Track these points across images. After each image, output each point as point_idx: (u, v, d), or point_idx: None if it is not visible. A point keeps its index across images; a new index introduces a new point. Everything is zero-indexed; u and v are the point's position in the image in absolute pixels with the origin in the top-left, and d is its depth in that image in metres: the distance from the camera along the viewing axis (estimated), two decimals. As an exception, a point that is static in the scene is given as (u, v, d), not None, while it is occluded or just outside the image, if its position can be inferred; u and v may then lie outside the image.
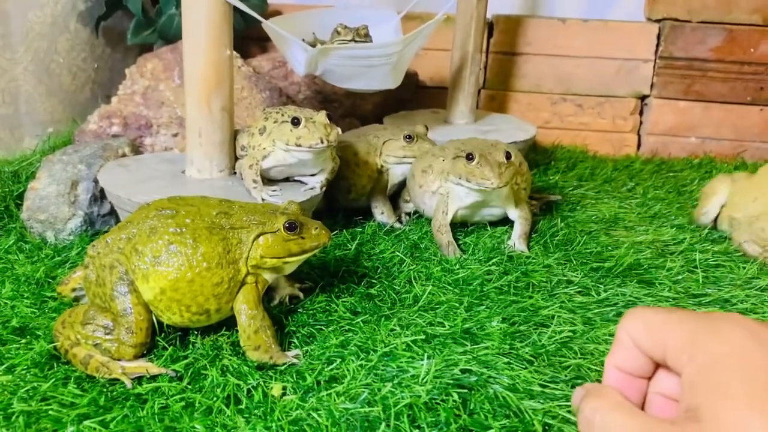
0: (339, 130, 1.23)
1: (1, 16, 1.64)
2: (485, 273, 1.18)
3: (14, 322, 0.98)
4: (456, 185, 1.30)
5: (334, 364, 0.88)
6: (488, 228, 1.40)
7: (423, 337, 0.95)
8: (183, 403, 0.80)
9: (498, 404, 0.80)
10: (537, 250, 1.32)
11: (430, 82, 2.27)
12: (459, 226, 1.40)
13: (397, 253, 1.27)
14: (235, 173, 1.34)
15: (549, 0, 2.25)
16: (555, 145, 2.21)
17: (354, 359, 0.89)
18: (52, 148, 1.68)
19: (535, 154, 2.07)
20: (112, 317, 0.89)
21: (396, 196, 1.54)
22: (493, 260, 1.23)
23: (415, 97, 2.23)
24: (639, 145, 2.26)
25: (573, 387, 0.85)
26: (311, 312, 1.04)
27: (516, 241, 1.32)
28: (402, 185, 1.52)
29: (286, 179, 1.33)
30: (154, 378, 0.86)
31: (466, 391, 0.82)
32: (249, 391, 0.84)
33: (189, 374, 0.86)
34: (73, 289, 1.03)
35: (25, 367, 0.87)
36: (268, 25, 1.37)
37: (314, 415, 0.77)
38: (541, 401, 0.81)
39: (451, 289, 1.13)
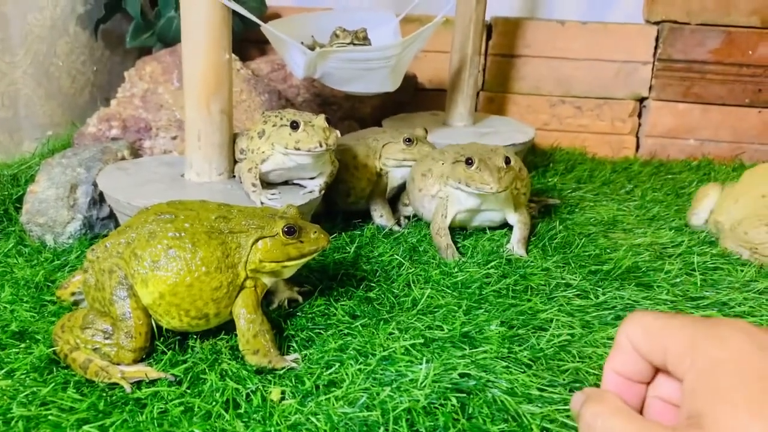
0: (338, 133, 1.23)
1: (0, 19, 1.64)
2: (484, 276, 1.18)
3: (13, 326, 0.98)
4: (455, 189, 1.30)
5: (333, 368, 0.88)
6: (487, 231, 1.40)
7: (422, 340, 0.95)
8: (182, 408, 0.80)
9: (496, 408, 0.80)
10: (535, 253, 1.32)
11: (429, 85, 2.27)
12: (458, 230, 1.40)
13: (396, 257, 1.27)
14: (234, 176, 1.34)
15: (548, 2, 2.25)
16: (554, 147, 2.21)
17: (353, 363, 0.89)
18: (52, 151, 1.68)
19: (534, 156, 2.07)
20: (112, 321, 0.89)
21: (395, 199, 1.54)
22: (492, 263, 1.23)
23: (414, 100, 2.23)
24: (638, 147, 2.26)
25: (571, 391, 0.85)
26: (310, 316, 1.04)
27: (515, 245, 1.32)
28: (401, 188, 1.52)
29: (285, 182, 1.33)
30: (153, 382, 0.86)
31: (464, 395, 0.82)
32: (248, 395, 0.84)
33: (188, 378, 0.87)
34: (73, 293, 1.04)
35: (25, 371, 0.87)
36: (267, 28, 1.37)
37: (313, 419, 0.78)
38: (540, 405, 0.81)
39: (450, 292, 1.13)
